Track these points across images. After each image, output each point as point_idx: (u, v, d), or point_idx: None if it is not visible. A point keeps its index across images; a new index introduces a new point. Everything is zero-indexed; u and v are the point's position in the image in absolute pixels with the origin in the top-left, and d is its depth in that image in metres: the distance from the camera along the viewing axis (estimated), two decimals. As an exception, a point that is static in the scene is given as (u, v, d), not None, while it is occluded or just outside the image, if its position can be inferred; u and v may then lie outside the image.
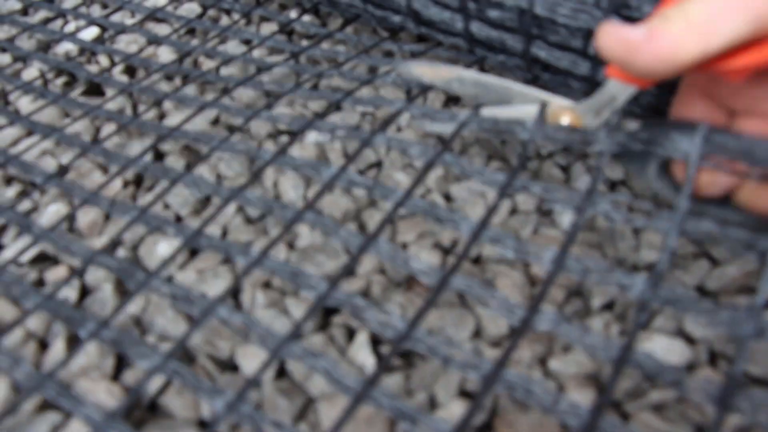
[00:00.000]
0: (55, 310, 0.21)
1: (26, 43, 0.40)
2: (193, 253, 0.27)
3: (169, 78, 0.36)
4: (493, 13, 0.28)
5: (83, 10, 0.42)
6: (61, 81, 0.36)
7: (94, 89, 0.36)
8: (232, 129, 0.33)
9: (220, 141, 0.28)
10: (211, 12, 0.41)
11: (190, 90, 0.35)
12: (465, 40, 0.31)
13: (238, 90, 0.34)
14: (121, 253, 0.27)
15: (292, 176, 0.29)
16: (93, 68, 0.37)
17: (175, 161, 0.31)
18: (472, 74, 0.27)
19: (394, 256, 0.20)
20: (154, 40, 0.38)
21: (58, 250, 0.26)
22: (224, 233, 0.27)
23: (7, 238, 0.28)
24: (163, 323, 0.24)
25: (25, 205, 0.30)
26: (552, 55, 0.28)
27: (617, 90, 0.22)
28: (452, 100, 0.34)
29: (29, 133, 0.33)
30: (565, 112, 0.25)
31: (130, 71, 0.37)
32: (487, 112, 0.27)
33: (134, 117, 0.31)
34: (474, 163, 0.22)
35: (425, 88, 0.29)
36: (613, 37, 0.19)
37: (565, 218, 0.28)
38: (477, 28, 0.29)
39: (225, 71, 0.36)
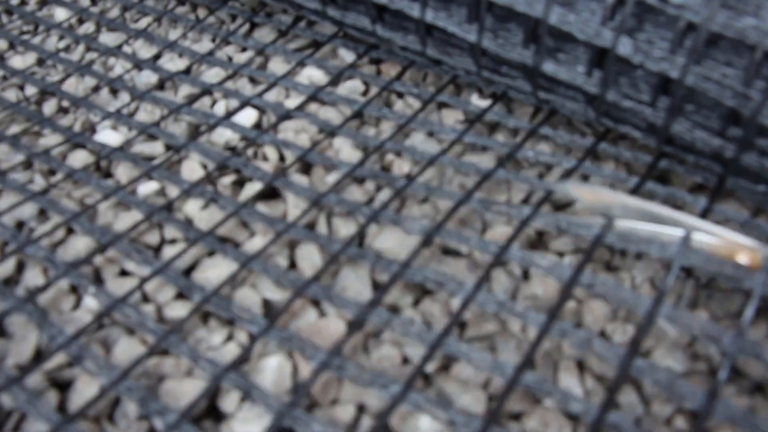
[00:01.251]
0: None
1: (174, 128, 0.35)
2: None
3: (357, 180, 0.32)
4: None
5: (230, 85, 0.38)
6: (228, 180, 0.32)
7: (269, 191, 0.32)
8: (448, 252, 0.29)
9: (455, 283, 0.24)
10: (374, 90, 0.37)
11: (385, 195, 0.31)
12: (721, 164, 0.27)
13: (444, 200, 0.30)
14: (367, 422, 0.23)
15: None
16: (262, 164, 0.33)
17: (399, 298, 0.27)
18: (638, 202, 0.25)
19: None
20: (328, 130, 0.33)
21: (296, 424, 0.22)
22: (490, 398, 0.23)
23: (228, 403, 0.24)
24: None
25: (230, 350, 0.25)
26: None
27: None
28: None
29: (211, 253, 0.29)
30: (743, 250, 0.23)
31: (305, 168, 0.33)
32: (624, 225, 0.25)
33: (329, 234, 0.27)
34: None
35: None
36: None
37: None
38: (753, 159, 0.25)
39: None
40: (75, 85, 0.39)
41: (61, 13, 0.46)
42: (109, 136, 0.35)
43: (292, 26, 0.41)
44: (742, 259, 0.23)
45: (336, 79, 0.36)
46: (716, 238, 0.24)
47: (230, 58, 0.40)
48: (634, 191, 0.28)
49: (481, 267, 0.28)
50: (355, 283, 0.27)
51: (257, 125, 0.35)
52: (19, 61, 0.42)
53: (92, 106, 0.37)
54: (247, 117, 0.35)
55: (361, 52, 0.38)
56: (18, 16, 0.46)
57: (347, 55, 0.39)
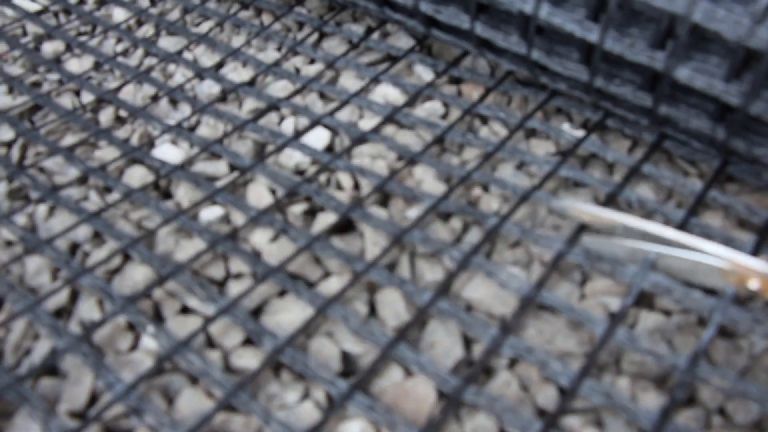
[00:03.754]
0: None
1: (240, 146, 0.33)
2: None
3: (442, 216, 0.29)
4: None
5: (299, 100, 0.35)
6: (299, 209, 0.29)
7: (344, 224, 0.29)
8: (545, 307, 0.25)
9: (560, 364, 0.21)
10: (455, 112, 0.34)
11: (473, 236, 0.28)
12: None
13: (538, 247, 0.27)
14: None
15: None
16: (336, 193, 0.30)
17: (493, 358, 0.24)
18: (641, 223, 0.24)
19: None
20: (408, 157, 0.30)
21: None
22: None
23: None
24: None
25: (306, 410, 0.23)
26: None
27: None
28: None
29: (282, 293, 0.26)
30: (756, 276, 0.21)
31: (383, 199, 0.30)
32: (590, 241, 0.25)
33: (413, 279, 0.24)
34: None
35: None
36: None
37: None
38: None
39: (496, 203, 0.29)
40: (133, 93, 0.37)
41: (119, 14, 0.44)
42: (168, 151, 0.33)
43: (364, 38, 0.38)
44: (753, 284, 0.22)
45: (413, 99, 0.33)
46: (726, 262, 0.22)
47: (298, 70, 0.37)
48: (754, 253, 0.25)
49: (581, 328, 0.25)
50: (445, 339, 0.24)
51: (329, 148, 0.32)
52: (76, 64, 0.40)
53: (151, 117, 0.34)
54: (319, 138, 0.32)
55: (440, 70, 0.35)
56: (76, 16, 0.43)
57: (424, 72, 0.36)
